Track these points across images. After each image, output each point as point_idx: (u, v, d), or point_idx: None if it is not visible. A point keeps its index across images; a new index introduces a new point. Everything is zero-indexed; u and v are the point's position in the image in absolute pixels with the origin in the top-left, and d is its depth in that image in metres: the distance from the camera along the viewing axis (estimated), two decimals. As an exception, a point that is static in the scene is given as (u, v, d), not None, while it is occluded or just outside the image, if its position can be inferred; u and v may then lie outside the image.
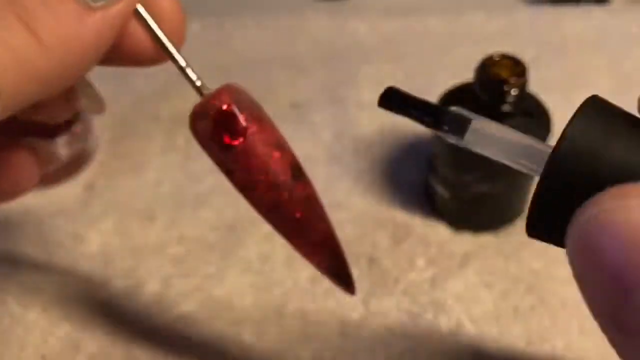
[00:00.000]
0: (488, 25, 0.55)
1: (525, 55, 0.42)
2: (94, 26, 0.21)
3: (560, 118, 0.44)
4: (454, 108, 0.21)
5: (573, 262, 0.15)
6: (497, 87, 0.38)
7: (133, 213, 0.43)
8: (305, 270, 0.40)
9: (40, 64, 0.20)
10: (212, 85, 0.24)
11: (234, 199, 0.44)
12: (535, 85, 0.41)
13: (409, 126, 0.48)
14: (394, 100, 0.22)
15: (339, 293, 0.39)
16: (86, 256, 0.41)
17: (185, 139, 0.47)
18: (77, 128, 0.44)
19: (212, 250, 0.41)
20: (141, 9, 0.23)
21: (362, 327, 0.38)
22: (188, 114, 0.24)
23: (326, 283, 0.39)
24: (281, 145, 0.24)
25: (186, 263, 0.40)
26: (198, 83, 0.24)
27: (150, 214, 0.43)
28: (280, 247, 0.40)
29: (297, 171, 0.24)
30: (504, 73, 0.39)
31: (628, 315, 0.14)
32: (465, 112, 0.21)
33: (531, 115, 0.41)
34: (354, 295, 0.27)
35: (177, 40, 0.24)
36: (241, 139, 0.23)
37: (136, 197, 0.44)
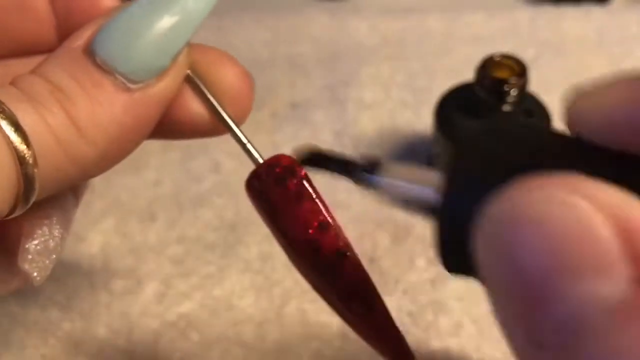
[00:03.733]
0: (488, 25, 0.55)
1: (525, 55, 0.42)
2: (131, 109, 0.20)
3: (560, 118, 0.44)
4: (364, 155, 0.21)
5: (482, 264, 0.13)
6: (497, 87, 0.38)
7: (133, 213, 0.43)
8: (305, 270, 0.40)
9: (79, 149, 0.20)
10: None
11: (234, 199, 0.44)
12: (535, 85, 0.41)
13: (409, 126, 0.48)
14: (316, 160, 0.22)
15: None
16: (86, 256, 0.41)
17: (185, 139, 0.47)
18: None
19: (212, 250, 0.41)
20: (195, 78, 0.22)
21: (362, 327, 0.38)
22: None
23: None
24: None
25: (186, 263, 0.40)
26: (260, 161, 0.22)
27: (150, 214, 0.43)
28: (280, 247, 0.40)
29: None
30: (504, 73, 0.39)
31: (545, 328, 0.12)
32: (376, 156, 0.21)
33: (531, 115, 0.41)
34: None
35: (242, 113, 0.22)
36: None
37: (136, 197, 0.44)
